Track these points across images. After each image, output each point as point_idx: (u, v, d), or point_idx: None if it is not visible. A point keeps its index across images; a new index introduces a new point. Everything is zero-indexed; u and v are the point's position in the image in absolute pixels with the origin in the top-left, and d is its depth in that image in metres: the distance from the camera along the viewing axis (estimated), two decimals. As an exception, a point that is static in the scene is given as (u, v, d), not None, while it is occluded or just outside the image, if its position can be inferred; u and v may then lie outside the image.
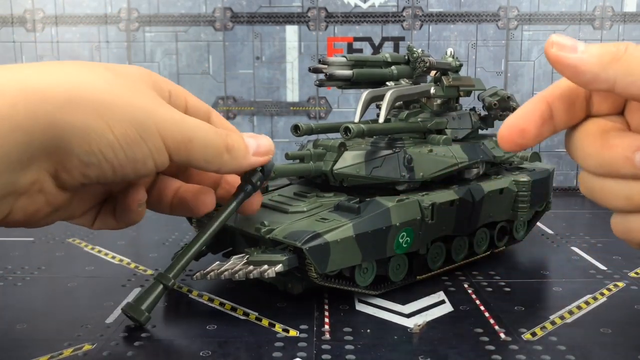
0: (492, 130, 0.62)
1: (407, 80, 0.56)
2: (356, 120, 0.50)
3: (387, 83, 0.55)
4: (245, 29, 0.97)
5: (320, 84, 0.55)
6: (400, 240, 0.46)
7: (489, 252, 0.56)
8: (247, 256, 0.42)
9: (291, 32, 0.97)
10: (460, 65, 0.58)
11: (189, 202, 0.41)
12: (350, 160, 0.49)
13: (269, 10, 0.96)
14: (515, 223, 0.57)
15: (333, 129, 0.56)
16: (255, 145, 0.39)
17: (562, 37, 0.33)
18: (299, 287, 0.45)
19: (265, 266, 0.41)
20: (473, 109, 0.60)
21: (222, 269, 0.41)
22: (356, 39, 0.97)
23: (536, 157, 0.65)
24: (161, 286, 0.39)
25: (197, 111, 0.40)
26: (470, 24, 0.96)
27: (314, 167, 0.49)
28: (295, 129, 0.53)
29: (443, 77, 0.57)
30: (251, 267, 0.41)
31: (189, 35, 0.97)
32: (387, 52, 0.58)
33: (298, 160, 0.50)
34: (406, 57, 0.57)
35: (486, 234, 0.55)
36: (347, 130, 0.47)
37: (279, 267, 0.40)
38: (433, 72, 0.57)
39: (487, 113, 0.60)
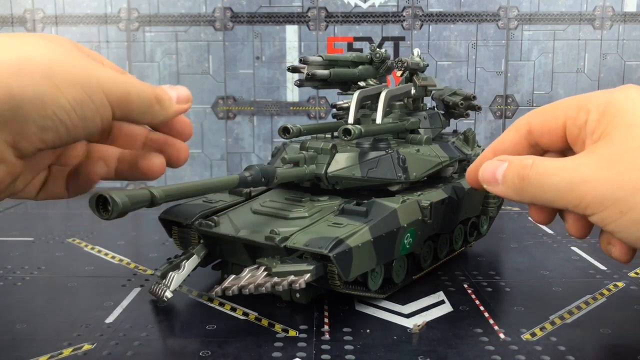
0: (448, 128, 0.62)
1: (374, 80, 0.57)
2: (350, 121, 0.50)
3: (360, 83, 0.56)
4: (245, 29, 0.97)
5: (301, 84, 0.54)
6: (405, 242, 0.46)
7: (463, 248, 0.57)
8: (263, 267, 0.40)
9: (291, 32, 0.97)
10: (427, 65, 0.59)
11: (140, 166, 0.41)
12: (343, 162, 0.49)
13: (269, 10, 0.96)
14: (482, 218, 0.59)
15: (320, 130, 0.56)
16: (175, 95, 0.41)
17: (486, 171, 0.39)
18: (305, 296, 0.44)
19: (293, 277, 0.39)
20: (433, 108, 0.61)
21: (243, 282, 0.39)
22: (356, 39, 0.97)
23: None
24: (149, 193, 0.36)
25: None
26: (471, 23, 0.96)
27: (309, 171, 0.48)
28: (285, 131, 0.52)
29: (414, 77, 0.57)
30: (277, 279, 0.39)
31: (189, 35, 0.97)
32: (350, 52, 0.59)
33: (292, 165, 0.49)
34: (369, 57, 0.57)
35: (462, 231, 0.56)
36: (347, 132, 0.46)
37: (308, 277, 0.39)
38: (399, 73, 0.58)
39: (444, 112, 0.61)
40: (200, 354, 0.37)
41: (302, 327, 0.41)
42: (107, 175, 0.42)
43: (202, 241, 0.47)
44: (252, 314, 0.43)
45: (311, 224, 0.44)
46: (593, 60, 0.96)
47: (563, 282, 0.51)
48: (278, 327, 0.41)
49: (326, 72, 0.53)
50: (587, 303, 0.46)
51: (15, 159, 0.35)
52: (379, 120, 0.50)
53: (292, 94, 0.98)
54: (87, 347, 0.38)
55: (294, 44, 0.97)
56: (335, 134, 0.55)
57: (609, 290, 0.49)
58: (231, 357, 0.37)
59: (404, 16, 0.96)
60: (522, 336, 0.40)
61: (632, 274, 0.53)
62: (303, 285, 0.38)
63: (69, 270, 0.54)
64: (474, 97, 0.59)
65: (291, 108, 0.98)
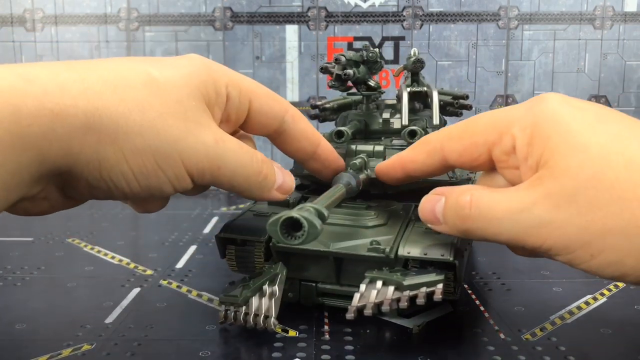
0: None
1: (374, 82, 0.55)
2: (405, 122, 0.48)
3: (370, 82, 0.54)
4: (245, 29, 0.97)
5: (333, 85, 0.52)
6: None
7: None
8: (381, 281, 0.37)
9: (291, 31, 0.97)
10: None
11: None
12: None
13: (269, 10, 0.96)
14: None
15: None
16: (280, 180, 0.38)
17: (424, 211, 0.36)
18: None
19: (424, 289, 0.37)
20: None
21: (375, 300, 0.36)
22: (356, 39, 0.97)
23: None
24: (320, 210, 0.32)
25: (266, 115, 0.38)
26: (471, 23, 0.96)
27: (366, 175, 0.45)
28: (339, 135, 0.48)
29: (420, 78, 0.56)
30: (411, 293, 0.37)
31: (189, 35, 0.97)
32: (348, 52, 0.57)
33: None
34: (363, 57, 0.55)
35: None
36: (413, 133, 0.46)
37: (441, 286, 0.37)
38: (402, 73, 0.57)
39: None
40: (200, 354, 0.37)
41: (302, 327, 0.41)
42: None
43: (269, 259, 0.43)
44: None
45: (398, 230, 0.42)
46: (593, 60, 0.96)
47: (563, 282, 0.51)
48: (278, 328, 0.41)
49: (351, 71, 0.51)
50: (587, 303, 0.46)
51: (63, 198, 0.33)
52: (436, 121, 0.49)
53: (292, 94, 0.98)
54: (86, 347, 0.38)
55: (294, 43, 0.97)
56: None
57: (609, 290, 0.49)
58: (231, 357, 0.37)
59: (404, 16, 0.96)
60: (522, 336, 0.40)
61: (632, 274, 0.53)
62: (442, 296, 0.36)
63: (68, 271, 0.54)
64: (467, 97, 0.58)
65: (291, 108, 0.98)
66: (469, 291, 0.48)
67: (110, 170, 0.30)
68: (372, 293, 0.37)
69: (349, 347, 0.38)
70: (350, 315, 0.36)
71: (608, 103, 0.97)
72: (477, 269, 0.54)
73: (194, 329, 0.41)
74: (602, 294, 0.48)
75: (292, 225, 0.31)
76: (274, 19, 0.96)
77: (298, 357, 0.37)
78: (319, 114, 0.61)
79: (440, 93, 0.57)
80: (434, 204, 0.35)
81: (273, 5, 0.96)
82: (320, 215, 0.32)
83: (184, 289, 0.49)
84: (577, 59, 0.96)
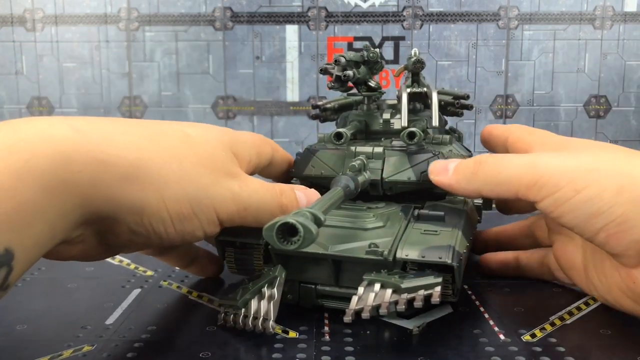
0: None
1: (374, 82, 0.55)
2: (404, 123, 0.48)
3: (370, 83, 0.54)
4: (245, 29, 0.97)
5: (332, 87, 0.51)
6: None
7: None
8: (379, 284, 0.37)
9: (291, 31, 0.97)
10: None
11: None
12: (394, 166, 0.47)
13: (269, 9, 0.96)
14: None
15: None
16: (304, 200, 0.41)
17: (436, 166, 0.43)
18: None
19: (422, 291, 0.37)
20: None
21: (373, 303, 0.36)
22: (356, 39, 0.97)
23: None
24: (312, 214, 0.32)
25: (281, 161, 0.48)
26: (471, 23, 0.96)
27: (367, 178, 0.45)
28: (338, 137, 0.48)
29: (421, 78, 0.55)
30: (409, 295, 0.37)
31: (189, 35, 0.97)
32: (352, 52, 0.55)
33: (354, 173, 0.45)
34: (364, 57, 0.54)
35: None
36: (412, 135, 0.46)
37: (437, 290, 0.37)
38: (402, 73, 0.56)
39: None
40: (200, 355, 0.37)
41: (302, 328, 0.41)
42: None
43: (268, 262, 0.43)
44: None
45: (396, 232, 0.41)
46: (593, 60, 0.96)
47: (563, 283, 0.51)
48: (278, 329, 0.41)
49: (351, 72, 0.50)
50: (587, 304, 0.46)
51: (98, 244, 0.35)
52: (435, 122, 0.49)
53: (292, 93, 0.98)
54: (87, 348, 0.38)
55: (294, 43, 0.97)
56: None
57: (609, 291, 0.49)
58: (231, 358, 0.37)
59: (404, 16, 0.96)
60: (522, 337, 0.40)
61: (632, 275, 0.53)
62: (439, 299, 0.37)
63: (69, 272, 0.54)
64: (467, 97, 0.57)
65: (291, 108, 0.98)
66: (469, 292, 0.49)
67: (151, 215, 0.33)
68: (370, 296, 0.37)
69: (349, 348, 0.38)
70: (347, 319, 0.36)
71: (608, 103, 0.97)
72: (477, 269, 0.54)
73: (195, 330, 0.41)
74: (602, 295, 0.48)
75: (288, 230, 0.31)
76: (274, 19, 0.96)
77: (298, 358, 0.37)
78: (319, 114, 0.60)
79: (440, 93, 0.57)
80: (449, 162, 0.42)
81: (273, 5, 0.96)
82: (317, 220, 0.32)
83: (185, 289, 0.49)
84: (577, 59, 0.96)
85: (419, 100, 0.56)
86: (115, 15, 0.97)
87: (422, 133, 0.46)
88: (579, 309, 0.45)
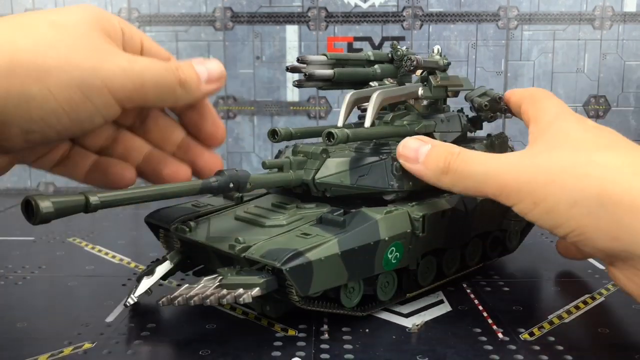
0: (480, 132, 0.58)
1: (391, 80, 0.53)
2: (340, 124, 0.46)
3: (371, 83, 0.52)
4: (246, 29, 0.97)
5: (299, 85, 0.51)
6: (390, 256, 0.42)
7: (481, 265, 0.53)
8: (220, 277, 0.38)
9: (291, 31, 0.97)
10: (449, 64, 0.54)
11: (164, 174, 0.40)
12: (333, 168, 0.46)
13: (269, 10, 0.96)
14: (508, 232, 0.54)
15: (314, 133, 0.52)
16: (206, 72, 0.38)
17: (407, 147, 0.42)
18: (278, 308, 0.41)
19: (241, 290, 0.37)
20: (461, 110, 0.56)
21: (192, 293, 0.37)
22: (356, 39, 0.97)
23: None
24: (83, 199, 0.33)
25: (157, 54, 0.39)
26: (470, 23, 0.96)
27: (294, 177, 0.45)
28: (273, 134, 0.48)
29: (430, 77, 0.52)
30: (224, 292, 0.37)
31: (189, 35, 0.97)
32: (370, 50, 0.54)
33: (276, 170, 0.46)
34: (390, 55, 0.54)
35: (478, 245, 0.51)
36: (330, 136, 0.43)
37: (256, 291, 0.37)
38: (419, 72, 0.54)
39: (475, 114, 0.56)
40: (200, 352, 0.38)
41: (301, 326, 0.41)
42: (130, 178, 0.40)
43: (177, 246, 0.46)
44: (252, 313, 0.44)
45: (282, 233, 0.41)
46: (593, 60, 0.96)
47: (562, 282, 0.51)
48: (277, 327, 0.41)
49: (329, 71, 0.50)
50: (585, 303, 0.46)
51: None
52: (367, 123, 0.46)
53: (292, 93, 0.98)
54: (87, 345, 0.39)
55: (294, 43, 0.97)
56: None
57: (607, 289, 0.49)
58: (230, 356, 0.37)
59: (404, 16, 0.96)
60: (520, 336, 0.40)
61: (630, 274, 0.53)
62: (248, 300, 0.36)
63: (69, 270, 0.55)
64: (500, 99, 0.53)
65: (291, 108, 0.98)
66: (468, 291, 0.49)
67: (39, 108, 0.31)
68: (197, 286, 0.38)
69: (348, 347, 0.38)
70: (160, 302, 0.38)
71: (607, 103, 0.97)
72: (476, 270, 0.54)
73: (194, 327, 0.42)
74: (600, 294, 0.48)
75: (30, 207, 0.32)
76: (274, 19, 0.96)
77: (297, 356, 0.37)
78: (363, 114, 0.59)
79: (483, 95, 0.54)
80: (420, 145, 0.41)
81: (273, 6, 0.96)
82: (85, 202, 0.33)
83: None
84: (576, 59, 0.97)
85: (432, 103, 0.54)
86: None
87: (343, 135, 0.43)
88: (577, 307, 0.45)
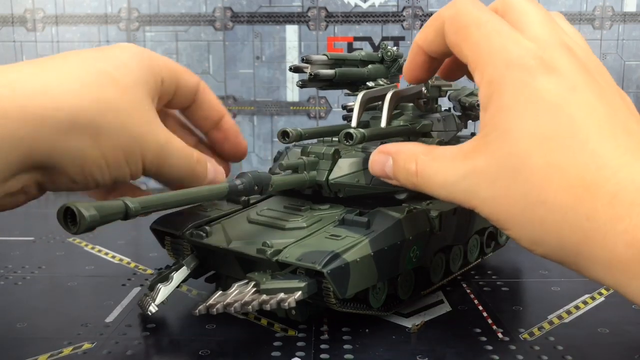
0: (465, 131, 0.59)
1: (384, 80, 0.53)
2: (354, 124, 0.46)
3: (368, 83, 0.53)
4: (246, 29, 0.97)
5: (303, 85, 0.50)
6: (411, 255, 0.42)
7: (479, 260, 0.54)
8: (253, 283, 0.38)
9: (291, 31, 0.97)
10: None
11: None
12: (346, 168, 0.45)
13: (269, 10, 0.96)
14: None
15: (323, 134, 0.51)
16: (212, 175, 0.42)
17: (373, 165, 0.40)
18: (304, 312, 0.41)
19: (282, 295, 0.36)
20: (448, 110, 0.57)
21: (229, 300, 0.36)
22: (356, 39, 0.97)
23: None
24: (122, 204, 0.33)
25: (187, 89, 0.43)
26: (470, 23, 0.96)
27: (309, 178, 0.45)
28: (284, 135, 0.47)
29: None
30: (265, 297, 0.36)
31: (189, 35, 0.97)
32: (363, 50, 0.55)
33: (290, 171, 0.45)
34: (380, 56, 0.54)
35: (477, 241, 0.52)
36: (348, 136, 0.43)
37: (298, 295, 0.36)
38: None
39: (460, 113, 0.57)
40: (200, 353, 0.38)
41: (301, 326, 0.41)
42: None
43: (193, 252, 0.45)
44: (252, 314, 0.44)
45: (309, 235, 0.41)
46: (593, 60, 0.96)
47: (561, 282, 0.51)
48: (277, 327, 0.41)
49: (331, 71, 0.49)
50: (585, 303, 0.46)
51: (38, 192, 0.36)
52: (383, 123, 0.46)
53: (292, 93, 0.98)
54: (87, 346, 0.39)
55: (294, 43, 0.97)
56: (335, 138, 0.52)
57: (607, 289, 0.49)
58: (230, 357, 0.37)
59: (404, 16, 0.96)
60: (520, 336, 0.40)
61: (630, 274, 0.53)
62: (293, 304, 0.36)
63: (69, 270, 0.55)
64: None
65: (291, 108, 0.98)
66: (468, 291, 0.49)
67: (91, 164, 0.34)
68: (232, 293, 0.37)
69: (348, 347, 0.38)
70: (196, 312, 0.37)
71: (607, 103, 0.97)
72: (476, 268, 0.54)
73: (194, 328, 0.42)
74: (600, 294, 0.48)
75: (72, 215, 0.31)
76: (274, 19, 0.96)
77: (297, 356, 0.37)
78: (348, 114, 0.59)
79: (471, 94, 0.56)
80: (383, 164, 0.39)
81: (273, 5, 0.96)
82: (125, 209, 0.33)
83: (184, 287, 0.49)
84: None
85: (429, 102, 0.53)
86: (115, 15, 0.97)
87: (361, 134, 0.43)
88: (577, 307, 0.45)
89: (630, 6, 0.95)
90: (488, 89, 0.32)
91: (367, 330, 0.41)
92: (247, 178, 0.39)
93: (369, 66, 0.54)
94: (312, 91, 0.98)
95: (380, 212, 0.42)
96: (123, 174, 0.36)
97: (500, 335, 0.40)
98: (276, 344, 0.39)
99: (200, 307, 0.37)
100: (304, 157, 0.46)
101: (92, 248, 0.62)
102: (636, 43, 0.96)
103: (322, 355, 0.37)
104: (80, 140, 0.33)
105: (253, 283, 0.37)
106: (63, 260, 0.58)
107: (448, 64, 0.40)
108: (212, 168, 0.43)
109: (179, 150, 0.39)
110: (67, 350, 0.38)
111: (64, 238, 0.65)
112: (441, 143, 0.50)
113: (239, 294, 0.37)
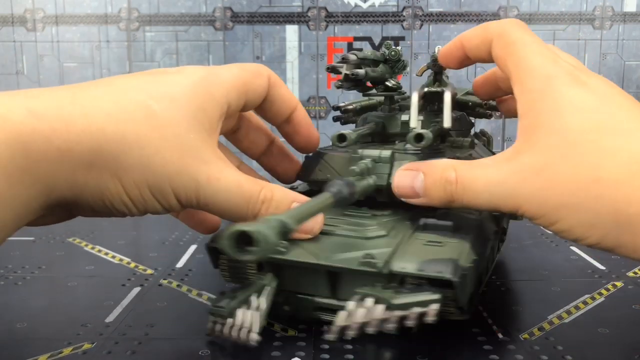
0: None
1: (394, 82, 0.53)
2: (414, 125, 0.44)
3: (388, 83, 0.52)
4: (246, 29, 0.97)
5: (341, 86, 0.48)
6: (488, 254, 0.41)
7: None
8: (373, 299, 0.35)
9: (291, 31, 0.97)
10: None
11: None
12: None
13: (269, 10, 0.96)
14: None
15: (365, 135, 0.49)
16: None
17: (399, 184, 0.39)
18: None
19: (417, 309, 0.34)
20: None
21: (361, 320, 0.34)
22: (356, 39, 0.97)
23: None
24: (280, 221, 0.29)
25: (256, 95, 0.40)
26: (471, 23, 0.96)
27: (372, 182, 0.42)
28: (341, 139, 0.44)
29: (444, 77, 0.53)
30: (400, 313, 0.34)
31: (189, 35, 0.97)
32: (369, 50, 0.53)
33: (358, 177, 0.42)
34: (384, 55, 0.53)
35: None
36: (419, 138, 0.41)
37: (436, 307, 0.34)
38: (421, 71, 0.54)
39: (462, 113, 0.57)
40: (200, 353, 0.38)
41: (301, 326, 0.41)
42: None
43: (261, 270, 0.41)
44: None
45: (400, 243, 0.38)
46: (593, 60, 0.96)
47: (562, 282, 0.51)
48: (277, 327, 0.41)
49: (362, 71, 0.47)
50: (585, 303, 0.46)
51: (66, 215, 0.36)
52: (448, 124, 0.44)
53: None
54: (87, 346, 0.39)
55: (294, 43, 0.97)
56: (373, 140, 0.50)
57: (607, 289, 0.49)
58: (230, 357, 0.37)
59: (404, 16, 0.96)
60: (520, 336, 0.40)
61: (630, 274, 0.53)
62: (434, 318, 0.34)
63: (69, 270, 0.55)
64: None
65: (291, 108, 0.98)
66: (468, 291, 0.49)
67: (112, 199, 0.33)
68: (359, 312, 0.34)
69: (348, 347, 0.38)
70: (330, 336, 0.34)
71: (607, 103, 0.97)
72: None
73: (194, 328, 0.42)
74: (600, 294, 0.48)
75: (246, 239, 0.28)
76: (274, 19, 0.96)
77: (297, 357, 0.37)
78: (341, 115, 0.58)
79: (468, 94, 0.55)
80: (412, 179, 0.38)
81: (273, 5, 0.96)
82: (283, 228, 0.29)
83: (184, 288, 0.49)
84: (576, 58, 0.97)
85: (440, 101, 0.51)
86: (115, 15, 0.97)
87: (431, 135, 0.42)
88: (577, 308, 0.45)
89: (630, 6, 0.95)
90: (529, 97, 0.35)
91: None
92: (341, 186, 0.37)
93: (380, 66, 0.52)
94: (312, 91, 0.98)
95: (450, 214, 0.41)
96: (154, 208, 0.35)
97: (499, 335, 0.40)
98: (276, 344, 0.39)
99: (333, 330, 0.34)
100: (367, 162, 0.43)
101: (92, 248, 0.62)
102: (636, 43, 0.96)
103: (323, 355, 0.37)
104: (101, 176, 0.32)
105: (372, 299, 0.35)
106: (63, 260, 0.58)
107: (485, 84, 0.46)
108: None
109: (229, 191, 0.36)
110: (67, 351, 0.38)
111: (64, 238, 0.65)
112: (468, 158, 0.47)
113: (367, 312, 0.34)
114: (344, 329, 0.34)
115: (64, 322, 0.42)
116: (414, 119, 0.45)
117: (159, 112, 0.34)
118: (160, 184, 0.33)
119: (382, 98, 0.55)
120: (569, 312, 0.44)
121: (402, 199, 0.39)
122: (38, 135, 0.30)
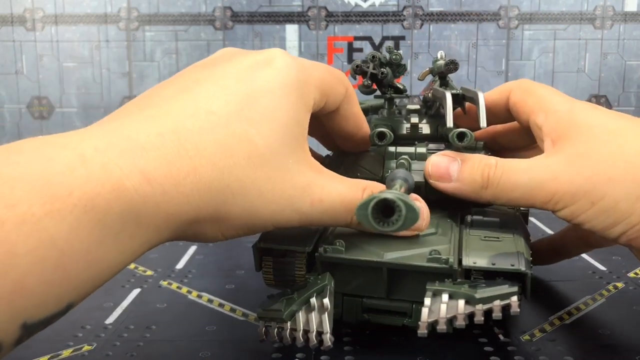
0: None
1: (402, 84, 0.51)
2: (450, 124, 0.42)
3: (398, 85, 0.50)
4: (246, 28, 0.97)
5: (367, 86, 0.47)
6: None
7: None
8: (447, 295, 0.34)
9: (291, 31, 0.97)
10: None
11: None
12: None
13: (269, 9, 0.96)
14: None
15: (408, 137, 0.48)
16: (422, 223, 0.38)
17: (436, 166, 0.39)
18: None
19: (497, 301, 0.34)
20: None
21: (447, 315, 0.33)
22: (356, 39, 0.97)
23: None
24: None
25: (332, 102, 0.38)
26: (471, 23, 0.96)
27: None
28: (380, 137, 0.44)
29: (449, 81, 0.51)
30: (485, 306, 0.34)
31: (189, 35, 0.97)
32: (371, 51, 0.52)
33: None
34: (386, 58, 0.50)
35: None
36: (462, 136, 0.41)
37: (516, 299, 0.34)
38: (423, 75, 0.52)
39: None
40: (200, 354, 0.38)
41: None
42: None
43: (311, 270, 0.39)
44: (252, 315, 0.44)
45: (455, 240, 0.38)
46: (594, 60, 0.96)
47: (562, 283, 0.51)
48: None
49: (386, 70, 0.46)
50: (586, 304, 0.46)
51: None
52: (484, 124, 0.42)
53: (292, 93, 0.98)
54: (87, 348, 0.38)
55: (294, 43, 0.97)
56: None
57: (608, 291, 0.49)
58: (230, 358, 0.37)
59: (404, 15, 0.96)
60: (521, 337, 0.40)
61: (631, 275, 0.53)
62: (518, 309, 0.34)
63: (69, 271, 0.54)
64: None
65: (291, 107, 0.98)
66: (468, 292, 0.49)
67: (204, 239, 0.33)
68: (441, 307, 0.33)
69: (348, 348, 0.38)
70: (422, 332, 0.33)
71: (608, 103, 0.97)
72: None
73: (194, 329, 0.41)
74: (601, 295, 0.48)
75: (385, 210, 0.28)
76: (274, 19, 0.96)
77: (297, 357, 0.37)
78: None
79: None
80: (449, 162, 0.39)
81: (273, 5, 0.96)
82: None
83: (184, 289, 0.49)
84: (577, 58, 0.96)
85: (455, 103, 0.48)
86: (115, 15, 0.97)
87: (471, 135, 0.41)
88: (578, 309, 0.45)
89: (631, 6, 0.95)
90: (556, 117, 0.38)
91: (367, 332, 0.41)
92: (407, 175, 0.37)
93: (387, 68, 0.52)
94: (312, 91, 0.98)
95: (487, 211, 0.42)
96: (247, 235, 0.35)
97: (500, 336, 0.40)
98: (276, 345, 0.39)
99: (423, 331, 0.33)
100: (405, 157, 0.43)
101: (92, 249, 0.61)
102: (637, 43, 0.96)
103: (322, 357, 0.37)
104: (200, 226, 0.31)
105: (447, 294, 0.34)
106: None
107: (506, 133, 0.47)
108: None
109: (335, 210, 0.34)
110: (66, 352, 0.38)
111: (63, 238, 0.65)
112: None
113: (448, 307, 0.34)
114: (432, 324, 0.33)
115: (64, 324, 0.42)
116: (449, 119, 0.43)
117: (261, 146, 0.31)
118: (262, 225, 0.33)
119: (377, 101, 0.54)
120: (570, 314, 0.44)
121: (431, 181, 0.39)
122: (150, 202, 0.28)
